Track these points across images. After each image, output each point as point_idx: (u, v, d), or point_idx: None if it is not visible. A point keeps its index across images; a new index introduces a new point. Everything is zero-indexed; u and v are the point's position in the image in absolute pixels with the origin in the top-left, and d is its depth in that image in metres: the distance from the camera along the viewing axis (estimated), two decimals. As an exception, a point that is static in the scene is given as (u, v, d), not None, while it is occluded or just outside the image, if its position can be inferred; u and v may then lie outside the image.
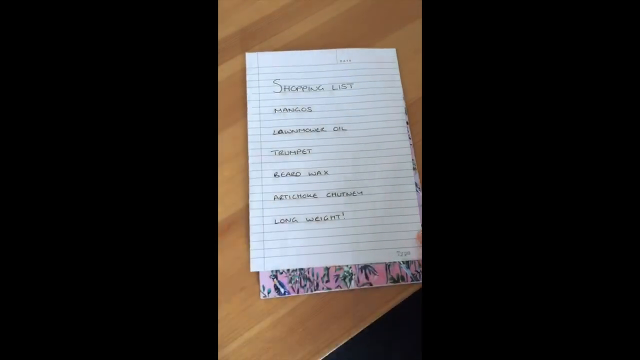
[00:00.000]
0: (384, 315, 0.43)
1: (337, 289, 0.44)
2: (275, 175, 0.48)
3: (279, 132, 0.49)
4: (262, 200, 0.46)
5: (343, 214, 0.46)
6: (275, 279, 0.44)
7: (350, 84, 0.52)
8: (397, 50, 0.54)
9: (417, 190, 0.48)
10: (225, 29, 0.55)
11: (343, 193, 0.47)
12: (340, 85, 0.52)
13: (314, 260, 0.44)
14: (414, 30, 0.55)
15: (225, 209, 0.47)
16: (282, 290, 0.43)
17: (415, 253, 0.45)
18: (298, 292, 0.43)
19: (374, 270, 0.45)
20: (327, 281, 0.44)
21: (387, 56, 0.54)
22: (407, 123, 0.50)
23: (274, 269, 0.44)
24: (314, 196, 0.47)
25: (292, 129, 0.50)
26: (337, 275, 0.44)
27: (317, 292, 0.44)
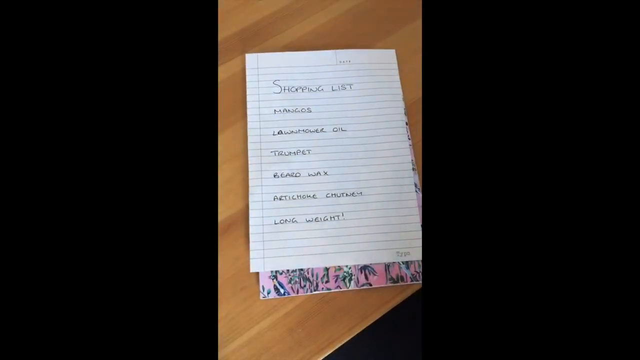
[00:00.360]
0: (384, 315, 0.44)
1: (336, 289, 0.44)
2: (275, 176, 0.48)
3: (278, 133, 0.49)
4: (262, 201, 0.46)
5: (343, 215, 0.46)
6: (275, 280, 0.44)
7: (350, 85, 0.52)
8: (396, 51, 0.54)
9: (416, 191, 0.48)
10: (226, 30, 0.55)
11: (343, 194, 0.47)
12: (340, 86, 0.52)
13: (313, 260, 0.44)
14: (414, 31, 0.55)
15: (225, 210, 0.47)
16: (281, 290, 0.43)
17: (415, 253, 0.45)
18: (298, 292, 0.43)
19: (374, 270, 0.45)
20: (326, 281, 0.44)
21: (386, 57, 0.54)
22: (407, 123, 0.51)
23: (274, 269, 0.44)
24: (314, 197, 0.47)
25: (292, 130, 0.50)
26: (337, 276, 0.44)
27: (316, 292, 0.44)
